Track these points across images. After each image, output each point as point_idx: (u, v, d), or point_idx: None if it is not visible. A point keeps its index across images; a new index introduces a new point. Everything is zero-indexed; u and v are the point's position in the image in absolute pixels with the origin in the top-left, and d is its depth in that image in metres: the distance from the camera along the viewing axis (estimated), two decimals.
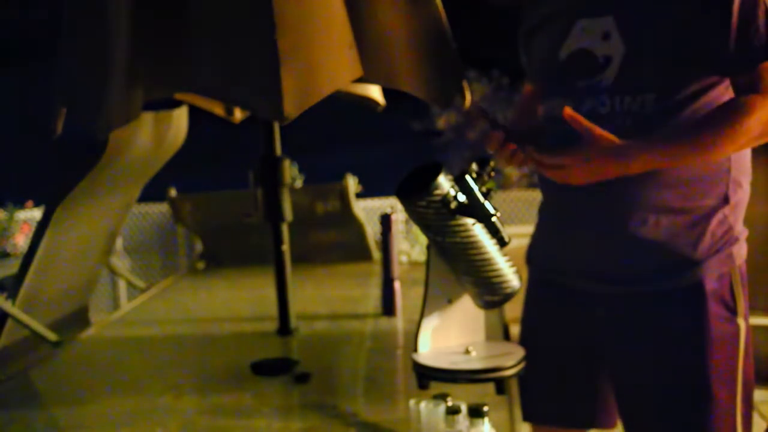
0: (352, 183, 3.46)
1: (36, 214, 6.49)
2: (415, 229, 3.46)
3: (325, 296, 2.81)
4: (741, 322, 1.35)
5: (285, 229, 2.20)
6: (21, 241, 6.32)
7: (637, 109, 1.30)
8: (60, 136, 1.71)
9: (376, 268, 3.03)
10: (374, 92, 2.43)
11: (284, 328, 2.21)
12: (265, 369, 1.84)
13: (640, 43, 1.30)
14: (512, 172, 10.72)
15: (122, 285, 5.84)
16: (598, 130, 1.23)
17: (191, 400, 1.71)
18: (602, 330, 1.44)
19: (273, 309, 2.23)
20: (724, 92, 1.30)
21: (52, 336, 2.41)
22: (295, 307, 2.24)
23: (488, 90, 12.02)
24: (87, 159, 2.37)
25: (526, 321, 1.60)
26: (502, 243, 1.27)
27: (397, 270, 2.39)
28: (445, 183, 1.20)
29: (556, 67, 1.41)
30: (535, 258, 1.57)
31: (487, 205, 1.23)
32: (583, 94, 1.35)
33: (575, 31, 1.37)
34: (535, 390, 1.53)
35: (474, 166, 1.25)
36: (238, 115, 2.62)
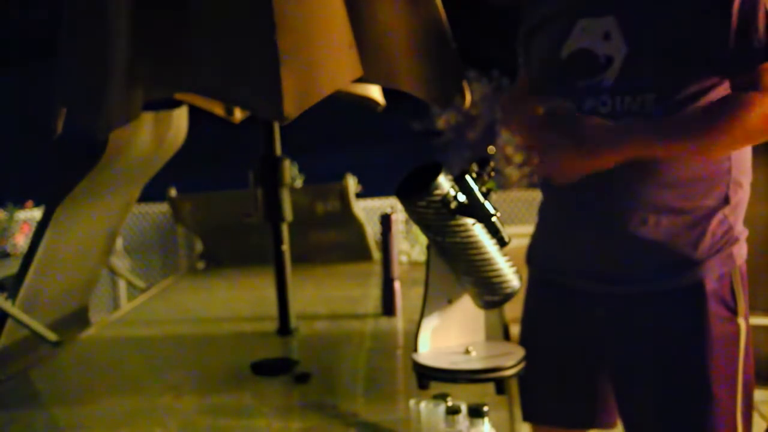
0: (352, 183, 3.46)
1: (36, 214, 6.49)
2: (415, 229, 3.46)
3: (325, 296, 2.81)
4: (741, 322, 1.35)
5: (285, 229, 2.20)
6: (21, 241, 6.32)
7: (638, 110, 1.30)
8: (60, 136, 1.71)
9: (376, 268, 3.03)
10: (374, 92, 2.43)
11: (284, 328, 2.21)
12: (265, 369, 1.84)
13: (642, 43, 1.30)
14: (512, 172, 10.72)
15: (122, 285, 5.84)
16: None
17: (191, 400, 1.71)
18: (602, 330, 1.44)
19: (273, 309, 2.23)
20: (724, 93, 1.30)
21: (52, 336, 2.41)
22: (295, 307, 2.23)
23: (488, 90, 12.02)
24: (87, 159, 2.37)
25: (526, 321, 1.60)
26: (502, 243, 1.27)
27: (397, 270, 2.39)
28: (445, 183, 1.20)
29: (556, 66, 1.41)
30: (535, 258, 1.57)
31: (487, 205, 1.23)
32: (584, 94, 1.35)
33: (576, 31, 1.37)
34: (535, 390, 1.53)
35: (474, 166, 1.26)
36: (238, 115, 2.62)
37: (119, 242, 5.92)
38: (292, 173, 2.25)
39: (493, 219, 1.24)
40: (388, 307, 2.38)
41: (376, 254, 3.50)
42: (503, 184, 10.43)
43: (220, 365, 1.99)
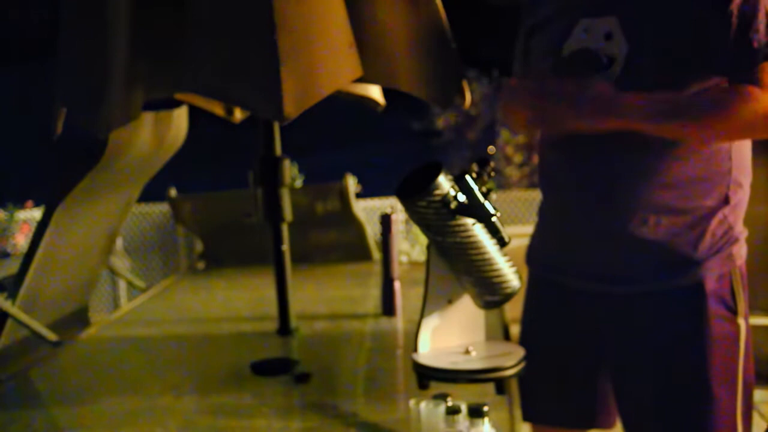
0: (352, 183, 3.46)
1: (36, 214, 6.49)
2: (415, 229, 3.46)
3: (325, 296, 2.81)
4: (741, 322, 1.35)
5: (285, 229, 2.20)
6: (21, 241, 6.33)
7: None
8: (60, 136, 1.71)
9: (376, 268, 3.03)
10: (374, 92, 2.43)
11: (284, 328, 2.21)
12: (265, 369, 1.84)
13: (644, 43, 1.30)
14: (512, 172, 10.72)
15: (122, 285, 5.84)
16: None
17: (191, 400, 1.71)
18: (602, 330, 1.44)
19: (273, 309, 2.23)
20: None
21: (52, 336, 2.41)
22: (295, 307, 2.23)
23: (488, 90, 12.02)
24: (87, 159, 2.37)
25: (526, 321, 1.60)
26: (502, 243, 1.27)
27: (397, 270, 2.39)
28: (445, 183, 1.20)
29: (557, 66, 1.41)
30: (535, 258, 1.57)
31: (487, 205, 1.23)
32: None
33: (577, 31, 1.37)
34: (535, 390, 1.53)
35: (474, 166, 1.26)
36: (238, 115, 2.62)
37: (119, 242, 5.92)
38: (292, 173, 2.24)
39: (493, 219, 1.24)
40: (388, 307, 2.38)
41: (376, 254, 3.50)
42: (503, 184, 10.42)
43: (220, 365, 1.99)
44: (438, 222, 1.22)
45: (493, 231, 1.26)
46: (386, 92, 2.43)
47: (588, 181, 1.38)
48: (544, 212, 1.56)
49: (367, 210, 5.60)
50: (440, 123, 12.52)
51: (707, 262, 1.33)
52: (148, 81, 1.64)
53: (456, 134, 12.58)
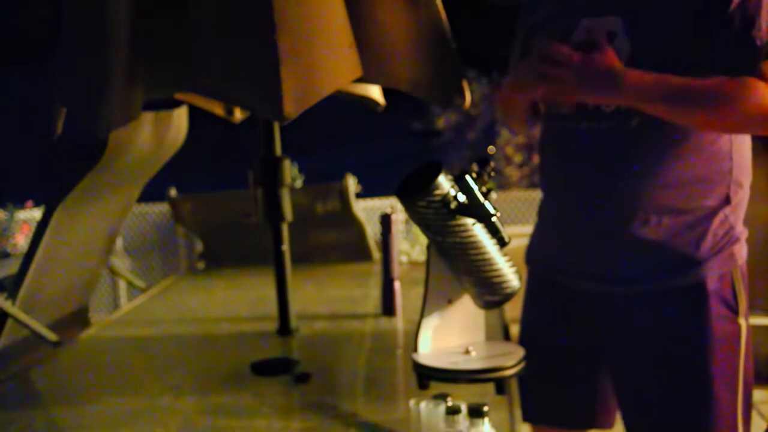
0: (352, 183, 3.46)
1: (36, 214, 6.48)
2: (415, 229, 3.46)
3: (325, 296, 2.81)
4: (742, 321, 1.35)
5: (285, 229, 2.20)
6: (21, 241, 6.32)
7: (642, 109, 1.29)
8: (60, 136, 1.71)
9: (376, 268, 3.03)
10: (374, 92, 2.43)
11: (284, 328, 2.21)
12: (265, 369, 1.84)
13: (646, 42, 1.29)
14: (512, 172, 10.72)
15: (122, 285, 5.84)
16: None
17: (191, 400, 1.71)
18: (602, 330, 1.44)
19: (273, 309, 2.23)
20: None
21: (52, 336, 2.41)
22: (295, 307, 2.24)
23: (488, 90, 12.01)
24: (87, 159, 2.37)
25: (525, 321, 1.60)
26: (502, 243, 1.27)
27: (397, 270, 2.39)
28: (445, 183, 1.20)
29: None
30: (535, 258, 1.57)
31: (487, 205, 1.23)
32: None
33: (579, 31, 1.37)
34: (534, 390, 1.53)
35: (474, 166, 1.25)
36: (238, 115, 2.62)
37: (119, 242, 5.92)
38: (292, 173, 2.24)
39: (493, 219, 1.24)
40: (388, 307, 2.38)
41: (376, 254, 3.50)
42: (503, 184, 10.41)
43: (220, 365, 1.99)
44: (438, 222, 1.22)
45: (493, 231, 1.26)
46: (386, 92, 2.43)
47: (588, 180, 1.38)
48: (544, 212, 1.56)
49: (367, 210, 5.59)
50: (440, 123, 12.52)
51: (709, 262, 1.33)
52: (148, 81, 1.64)
53: (456, 134, 12.57)
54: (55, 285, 2.65)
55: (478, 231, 1.24)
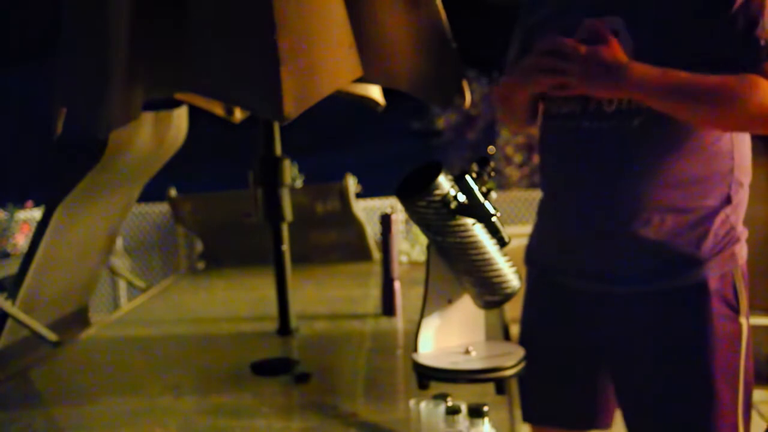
0: (352, 183, 3.46)
1: (36, 214, 6.49)
2: (415, 229, 3.46)
3: (325, 296, 2.81)
4: (743, 321, 1.35)
5: (285, 229, 2.20)
6: (21, 241, 6.32)
7: (643, 108, 1.29)
8: (60, 136, 1.71)
9: (376, 268, 3.03)
10: (374, 92, 2.43)
11: (284, 328, 2.21)
12: (265, 369, 1.84)
13: (649, 42, 1.29)
14: (512, 172, 10.72)
15: (122, 285, 5.84)
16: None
17: (191, 400, 1.71)
18: (603, 330, 1.44)
19: (273, 309, 2.23)
20: None
21: (52, 336, 2.41)
22: (295, 307, 2.24)
23: (488, 90, 12.01)
24: (87, 159, 2.37)
25: (525, 321, 1.59)
26: (502, 243, 1.27)
27: (397, 270, 2.39)
28: (445, 183, 1.20)
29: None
30: (535, 258, 1.57)
31: (487, 205, 1.23)
32: None
33: (580, 31, 1.36)
34: (534, 390, 1.53)
35: (474, 166, 1.25)
36: (238, 115, 2.62)
37: (119, 242, 5.92)
38: (292, 173, 2.24)
39: (493, 219, 1.24)
40: (388, 307, 2.38)
41: (376, 254, 3.50)
42: (503, 184, 10.41)
43: (220, 365, 1.99)
44: (438, 222, 1.22)
45: (493, 231, 1.26)
46: (386, 92, 2.43)
47: (589, 181, 1.38)
48: (544, 212, 1.55)
49: (367, 210, 5.60)
50: (440, 123, 12.52)
51: (710, 261, 1.33)
52: (148, 81, 1.64)
53: (456, 134, 12.57)
54: (55, 285, 2.65)
55: (478, 231, 1.24)
